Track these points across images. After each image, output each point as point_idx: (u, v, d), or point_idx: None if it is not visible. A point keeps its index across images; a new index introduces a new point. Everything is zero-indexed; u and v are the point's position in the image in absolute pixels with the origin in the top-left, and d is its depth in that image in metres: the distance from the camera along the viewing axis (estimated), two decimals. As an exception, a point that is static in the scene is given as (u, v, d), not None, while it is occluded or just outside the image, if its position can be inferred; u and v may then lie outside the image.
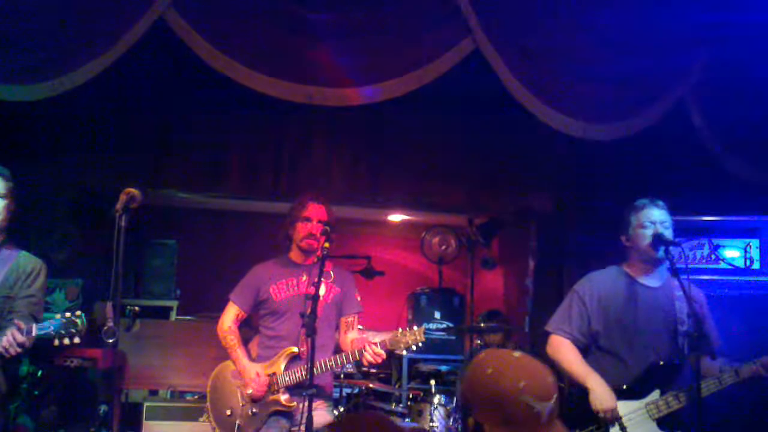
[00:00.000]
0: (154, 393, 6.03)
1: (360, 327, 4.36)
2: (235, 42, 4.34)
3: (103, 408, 5.25)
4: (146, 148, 5.61)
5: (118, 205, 3.49)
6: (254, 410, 4.19)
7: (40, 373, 5.13)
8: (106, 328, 3.43)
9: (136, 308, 5.86)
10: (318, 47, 4.47)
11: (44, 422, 5.22)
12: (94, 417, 5.31)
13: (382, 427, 1.62)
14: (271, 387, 4.17)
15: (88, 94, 4.54)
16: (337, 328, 4.39)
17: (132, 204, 3.51)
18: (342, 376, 6.10)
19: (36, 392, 5.14)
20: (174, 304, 6.90)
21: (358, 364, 4.13)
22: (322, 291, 4.19)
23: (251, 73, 4.34)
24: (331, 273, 4.32)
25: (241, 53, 4.33)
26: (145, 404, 5.41)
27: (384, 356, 4.00)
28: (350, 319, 4.39)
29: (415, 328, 3.98)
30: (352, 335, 4.34)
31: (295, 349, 4.17)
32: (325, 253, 4.02)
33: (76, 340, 3.66)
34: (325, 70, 4.48)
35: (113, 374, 4.48)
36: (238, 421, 4.20)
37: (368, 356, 3.97)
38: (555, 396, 1.91)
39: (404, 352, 4.07)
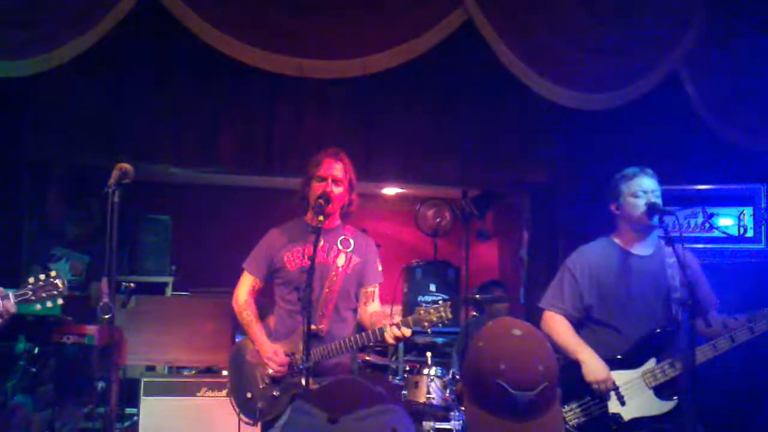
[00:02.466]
0: (151, 369, 6.04)
1: (398, 318, 3.81)
2: (225, 15, 4.30)
3: (100, 384, 5.26)
4: (139, 123, 5.57)
5: (111, 181, 3.45)
6: (275, 393, 3.90)
7: (36, 350, 5.12)
8: (101, 304, 3.40)
9: (131, 285, 5.84)
10: (309, 19, 4.42)
11: (41, 399, 5.23)
12: (92, 393, 5.32)
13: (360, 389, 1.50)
14: (292, 369, 3.89)
15: (80, 69, 4.51)
16: (357, 299, 4.09)
17: (125, 179, 3.47)
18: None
19: (33, 369, 5.14)
20: (169, 280, 6.90)
21: (380, 342, 3.80)
22: (341, 261, 3.98)
23: (242, 46, 4.29)
24: (351, 241, 4.05)
25: (231, 26, 4.29)
26: (143, 380, 5.42)
27: (410, 334, 3.66)
28: (370, 289, 4.05)
29: (440, 302, 3.71)
30: (372, 307, 4.03)
31: (314, 327, 3.77)
32: (319, 226, 3.74)
33: (60, 301, 3.52)
34: (316, 43, 4.44)
35: (110, 351, 4.44)
36: (259, 404, 3.92)
37: (389, 337, 3.65)
38: (540, 388, 1.76)
39: (428, 331, 3.76)
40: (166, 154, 5.73)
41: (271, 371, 3.91)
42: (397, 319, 3.71)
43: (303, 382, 3.68)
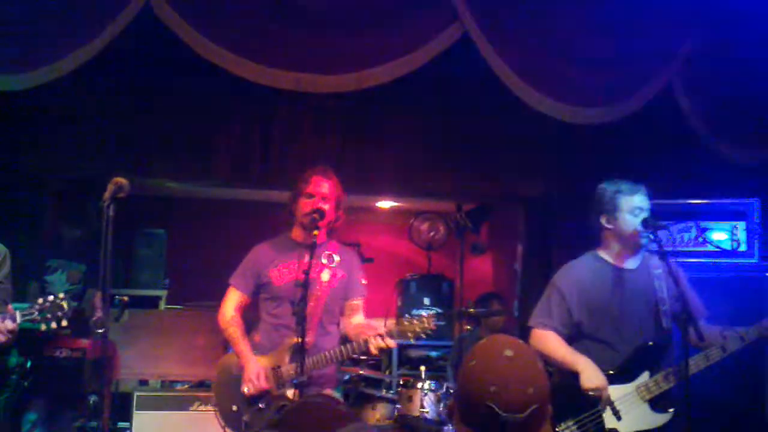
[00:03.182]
0: (144, 383, 6.02)
1: (382, 329, 4.03)
2: (223, 29, 4.31)
3: (93, 398, 5.23)
4: (134, 137, 5.57)
5: (106, 195, 3.46)
6: (261, 406, 3.97)
7: (29, 364, 5.10)
8: (95, 318, 3.40)
9: (125, 298, 5.82)
10: (305, 34, 4.44)
11: (34, 413, 5.21)
12: (84, 407, 5.29)
13: (328, 412, 1.52)
14: (277, 381, 3.97)
15: (77, 83, 4.52)
16: (342, 313, 4.18)
17: (120, 193, 3.47)
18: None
19: (25, 383, 5.12)
20: (163, 293, 6.88)
21: (365, 353, 3.96)
22: (326, 276, 4.05)
23: (239, 60, 4.31)
24: (336, 257, 4.12)
25: (228, 40, 4.30)
26: (136, 394, 5.40)
27: (394, 345, 3.82)
28: (355, 302, 4.15)
29: (423, 314, 3.84)
30: (356, 319, 4.13)
31: (300, 340, 3.81)
32: (314, 240, 3.85)
33: (64, 323, 3.57)
34: (312, 57, 4.45)
35: (103, 364, 4.44)
36: (245, 418, 3.98)
37: (373, 348, 3.77)
38: (529, 410, 1.78)
39: (412, 341, 3.90)
40: (161, 167, 5.73)
41: (246, 390, 3.94)
42: (382, 329, 3.80)
43: (289, 393, 3.86)
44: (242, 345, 4.07)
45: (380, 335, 3.75)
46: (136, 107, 5.49)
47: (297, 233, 4.14)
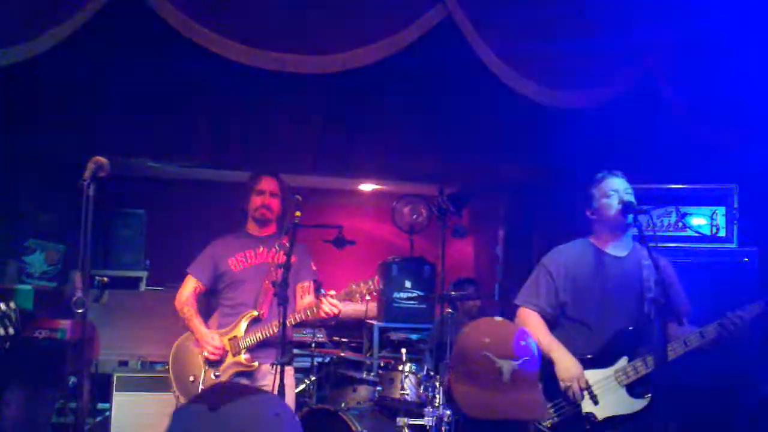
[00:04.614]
0: (124, 364, 6.00)
1: (332, 292, 4.36)
2: (205, 9, 4.26)
3: (72, 379, 5.22)
4: (115, 116, 5.51)
5: (86, 174, 3.43)
6: (216, 374, 4.34)
7: (8, 345, 5.07)
8: (75, 298, 3.39)
9: (105, 279, 5.81)
10: (289, 14, 4.40)
11: (12, 394, 5.17)
12: (64, 388, 5.27)
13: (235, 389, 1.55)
14: (233, 349, 4.36)
15: (55, 61, 4.45)
16: (294, 295, 4.51)
17: (100, 173, 3.45)
18: (313, 345, 6.13)
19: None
20: (143, 274, 6.87)
21: (322, 322, 4.49)
22: (279, 260, 4.33)
23: (221, 39, 4.26)
24: (287, 245, 4.37)
25: (211, 20, 4.24)
26: (115, 375, 5.39)
27: (340, 307, 4.21)
28: (306, 284, 4.56)
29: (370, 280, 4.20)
30: (307, 299, 4.50)
31: (256, 313, 4.38)
32: (296, 221, 4.07)
33: (11, 331, 3.64)
34: (296, 38, 4.42)
35: (83, 345, 4.43)
36: (201, 387, 4.30)
37: (325, 307, 4.16)
38: (524, 358, 1.93)
39: (359, 302, 4.34)
40: (142, 148, 5.68)
41: (206, 353, 4.35)
42: (331, 293, 4.24)
43: (243, 360, 4.30)
44: (195, 321, 4.47)
45: (330, 294, 4.20)
46: (116, 87, 5.43)
47: (251, 227, 4.62)
